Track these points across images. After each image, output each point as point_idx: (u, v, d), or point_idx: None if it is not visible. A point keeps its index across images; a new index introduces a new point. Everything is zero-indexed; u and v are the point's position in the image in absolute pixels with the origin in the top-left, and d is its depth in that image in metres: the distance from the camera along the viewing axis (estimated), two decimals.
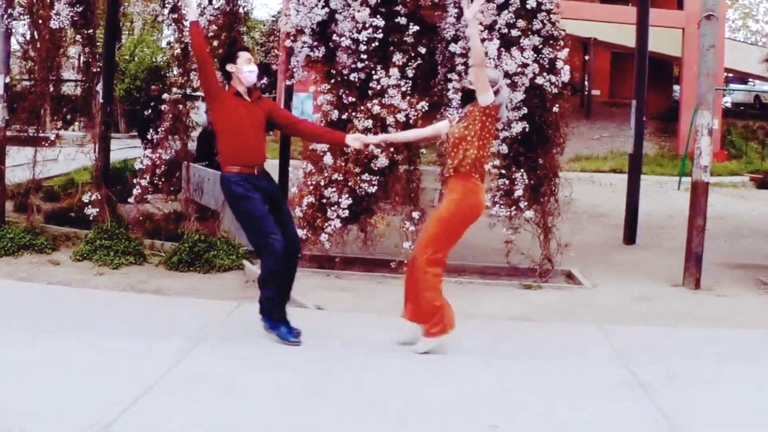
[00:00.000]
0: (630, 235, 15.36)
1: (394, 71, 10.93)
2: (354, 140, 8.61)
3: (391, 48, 11.12)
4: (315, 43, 11.56)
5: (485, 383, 7.39)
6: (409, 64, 11.10)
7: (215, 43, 12.22)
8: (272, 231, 8.06)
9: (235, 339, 8.39)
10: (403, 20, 11.04)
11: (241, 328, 8.77)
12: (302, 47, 11.64)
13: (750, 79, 49.08)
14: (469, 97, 8.15)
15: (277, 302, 8.25)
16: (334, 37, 11.34)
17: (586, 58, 40.91)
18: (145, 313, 9.45)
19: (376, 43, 11.08)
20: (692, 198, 11.78)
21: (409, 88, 11.08)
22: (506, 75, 10.94)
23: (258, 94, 8.52)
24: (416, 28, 11.07)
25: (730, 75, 44.74)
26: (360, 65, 11.02)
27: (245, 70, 8.30)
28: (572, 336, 9.06)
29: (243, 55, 8.39)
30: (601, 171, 29.78)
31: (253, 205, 8.15)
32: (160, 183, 12.66)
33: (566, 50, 11.24)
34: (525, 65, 10.98)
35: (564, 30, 11.41)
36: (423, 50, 11.18)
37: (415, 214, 11.40)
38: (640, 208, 15.60)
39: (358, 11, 10.98)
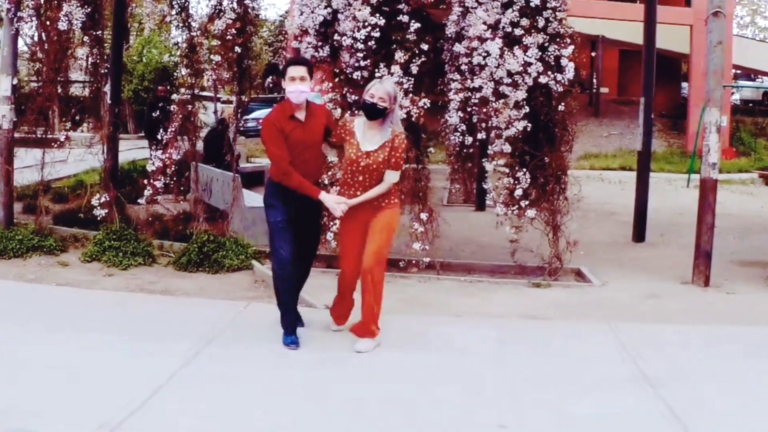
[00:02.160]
0: (639, 233, 15.34)
1: (396, 69, 10.91)
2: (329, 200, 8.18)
3: (394, 46, 11.10)
4: (319, 43, 11.58)
5: (494, 381, 7.39)
6: (413, 61, 11.07)
7: (228, 44, 12.18)
8: (280, 244, 8.15)
9: (244, 339, 8.41)
10: (405, 18, 11.02)
11: (250, 328, 8.79)
12: (307, 47, 11.65)
13: (758, 76, 49.02)
14: (375, 112, 8.04)
15: (283, 307, 8.35)
16: (337, 36, 11.33)
17: (593, 55, 40.87)
18: (154, 313, 9.48)
19: (373, 42, 11.04)
20: (701, 195, 11.76)
21: (411, 86, 11.06)
22: (509, 74, 10.93)
23: (312, 110, 8.27)
24: (417, 25, 11.04)
25: (739, 72, 44.69)
26: (363, 63, 11.00)
27: (288, 89, 8.08)
28: (581, 333, 9.05)
29: (289, 71, 8.10)
30: (610, 168, 29.80)
31: (274, 213, 8.21)
32: (171, 183, 12.66)
33: (571, 47, 11.19)
34: (528, 64, 10.95)
35: (571, 27, 11.38)
36: (426, 47, 11.14)
37: (424, 215, 11.40)
38: (649, 205, 15.57)
39: (359, 10, 10.97)
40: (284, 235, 8.14)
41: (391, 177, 8.03)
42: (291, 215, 8.18)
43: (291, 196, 8.14)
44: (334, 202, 8.06)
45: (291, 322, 8.33)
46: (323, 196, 8.12)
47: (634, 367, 7.76)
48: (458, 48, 11.31)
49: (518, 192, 11.23)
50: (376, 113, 7.98)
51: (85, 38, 12.93)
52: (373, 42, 11.03)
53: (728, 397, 7.05)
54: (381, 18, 10.96)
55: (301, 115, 8.14)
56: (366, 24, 10.97)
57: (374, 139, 8.04)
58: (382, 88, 7.99)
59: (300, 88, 8.02)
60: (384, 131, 8.01)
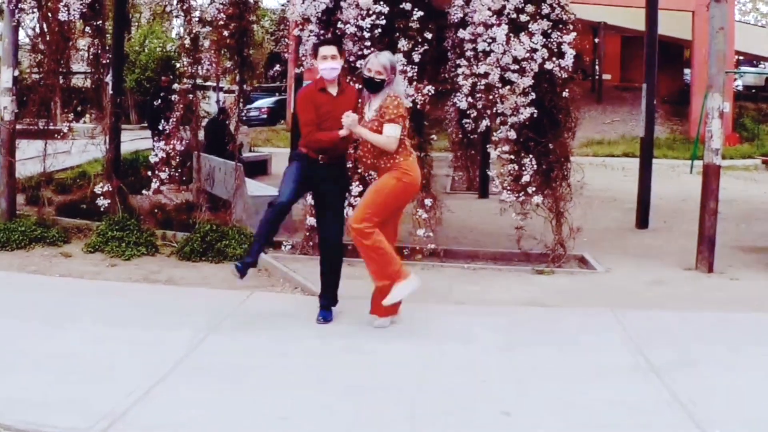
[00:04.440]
0: (642, 219, 15.33)
1: (399, 57, 10.88)
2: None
3: (397, 34, 11.08)
4: (321, 32, 11.53)
5: (497, 369, 7.39)
6: (416, 49, 11.06)
7: (225, 33, 12.20)
8: (281, 191, 8.55)
9: (248, 328, 8.42)
10: (408, 5, 10.99)
11: (253, 317, 8.80)
12: (309, 36, 11.60)
13: (761, 62, 48.91)
14: (373, 85, 8.33)
15: (256, 243, 8.71)
16: (339, 24, 11.29)
17: (595, 41, 40.84)
18: (158, 303, 9.48)
19: (380, 30, 11.03)
20: (704, 181, 11.74)
21: (415, 74, 11.06)
22: (515, 61, 10.91)
23: (344, 87, 8.68)
24: (421, 13, 11.02)
25: (741, 58, 44.61)
26: (366, 52, 10.96)
27: (320, 67, 8.53)
28: (585, 320, 9.04)
29: (320, 51, 8.58)
30: (612, 155, 29.88)
31: (288, 171, 8.65)
32: (176, 174, 12.66)
33: (573, 34, 11.17)
34: (534, 50, 10.92)
35: (574, 14, 11.36)
36: (429, 36, 11.13)
37: (428, 201, 11.38)
38: (652, 191, 15.56)
39: None
40: (292, 188, 8.54)
41: (387, 129, 8.13)
42: (305, 177, 8.58)
43: (316, 165, 8.56)
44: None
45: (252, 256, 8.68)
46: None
47: (638, 355, 7.75)
48: (463, 34, 11.27)
49: (525, 178, 11.20)
50: (374, 86, 8.30)
51: (87, 29, 12.91)
52: (378, 30, 11.01)
53: (733, 385, 7.04)
54: (384, 5, 10.93)
55: (333, 90, 8.57)
56: (371, 12, 10.94)
57: (373, 107, 8.30)
58: (377, 61, 8.26)
59: (332, 65, 8.50)
60: (382, 99, 8.24)
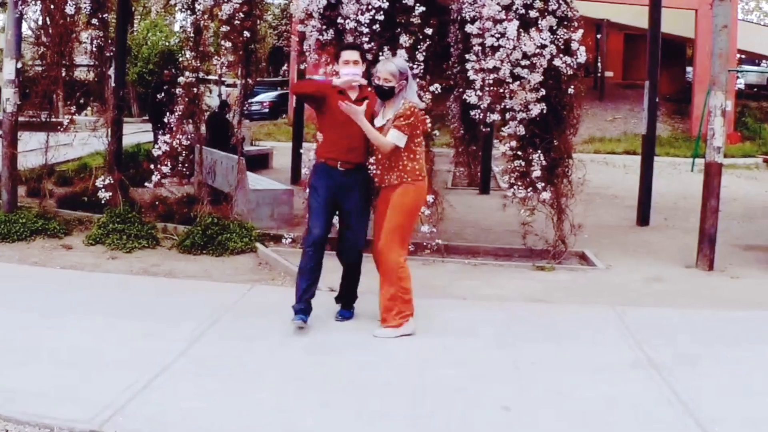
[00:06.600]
0: (643, 217, 15.34)
1: (402, 53, 10.87)
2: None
3: (398, 29, 11.06)
4: (323, 27, 11.54)
5: (498, 364, 7.39)
6: (418, 46, 11.04)
7: (237, 29, 12.15)
8: (314, 224, 8.26)
9: (248, 321, 8.42)
10: (410, 1, 10.97)
11: (253, 311, 8.81)
12: (312, 31, 11.61)
13: (763, 61, 48.89)
14: (383, 93, 8.16)
15: (301, 288, 8.24)
16: (340, 20, 11.29)
17: (598, 38, 40.87)
18: (158, 296, 9.49)
19: (378, 26, 10.98)
20: (705, 179, 11.75)
21: (421, 71, 11.03)
22: (525, 56, 10.89)
23: (364, 95, 8.33)
24: (422, 8, 10.99)
25: (743, 56, 44.60)
26: (366, 47, 10.94)
27: (342, 72, 8.32)
28: (586, 317, 9.05)
29: (343, 55, 8.41)
30: (614, 152, 29.91)
31: (314, 196, 8.36)
32: (179, 167, 12.64)
33: (581, 31, 11.15)
34: (543, 46, 10.90)
35: (578, 11, 11.35)
36: (430, 31, 11.09)
37: (429, 197, 11.38)
38: (653, 189, 15.58)
39: None
40: (321, 215, 8.28)
41: (390, 134, 7.94)
42: (332, 193, 8.32)
43: (334, 174, 8.31)
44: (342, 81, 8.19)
45: (302, 297, 8.29)
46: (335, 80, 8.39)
47: (639, 352, 7.76)
48: (470, 29, 11.25)
49: (535, 174, 11.19)
50: (383, 93, 8.11)
51: (93, 20, 12.88)
52: (377, 25, 10.98)
53: (733, 382, 7.05)
54: (385, 1, 10.91)
55: (353, 94, 8.29)
56: (370, 7, 10.93)
57: (387, 115, 8.11)
58: (385, 68, 8.10)
59: (353, 71, 8.27)
60: (395, 107, 8.05)
